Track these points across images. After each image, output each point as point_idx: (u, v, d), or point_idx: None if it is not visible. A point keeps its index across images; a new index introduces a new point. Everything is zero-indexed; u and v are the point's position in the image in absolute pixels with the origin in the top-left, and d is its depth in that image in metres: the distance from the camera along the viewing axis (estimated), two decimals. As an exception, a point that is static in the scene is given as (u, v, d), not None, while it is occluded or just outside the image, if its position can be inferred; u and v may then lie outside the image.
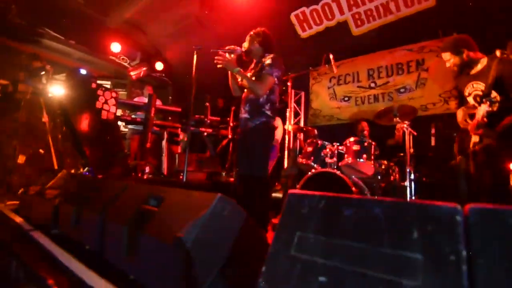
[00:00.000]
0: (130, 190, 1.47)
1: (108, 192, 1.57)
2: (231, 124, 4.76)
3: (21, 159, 3.06)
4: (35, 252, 1.66)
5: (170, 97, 6.53)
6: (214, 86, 4.69)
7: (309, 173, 2.96)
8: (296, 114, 5.13)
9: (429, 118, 3.66)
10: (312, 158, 3.07)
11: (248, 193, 2.32)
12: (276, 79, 2.25)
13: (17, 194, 2.75)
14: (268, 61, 2.24)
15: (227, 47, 2.28)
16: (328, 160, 2.96)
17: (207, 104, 4.98)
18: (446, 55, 2.14)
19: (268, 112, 2.27)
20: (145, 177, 4.24)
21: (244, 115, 2.30)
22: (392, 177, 3.01)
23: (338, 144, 3.00)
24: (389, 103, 4.08)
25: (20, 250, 1.73)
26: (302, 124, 4.97)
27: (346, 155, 2.88)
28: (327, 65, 3.60)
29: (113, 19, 5.37)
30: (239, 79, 2.25)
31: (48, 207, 2.07)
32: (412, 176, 2.62)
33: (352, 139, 2.95)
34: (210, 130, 5.10)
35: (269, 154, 2.32)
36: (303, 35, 4.49)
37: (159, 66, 6.03)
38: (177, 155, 4.38)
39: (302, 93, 5.12)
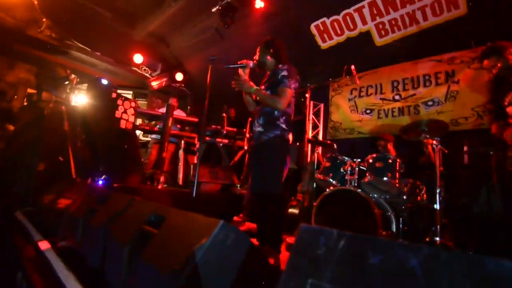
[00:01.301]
0: (134, 206, 1.39)
1: (113, 207, 1.51)
2: (247, 136, 4.68)
3: (41, 166, 3.12)
4: (39, 264, 1.62)
5: (189, 107, 6.59)
6: (231, 97, 4.67)
7: (327, 190, 2.78)
8: (315, 127, 4.96)
9: (460, 134, 3.38)
10: (331, 174, 2.89)
11: (260, 211, 2.19)
12: (293, 91, 2.16)
13: (34, 201, 2.79)
14: (283, 72, 2.15)
15: (239, 62, 2.21)
16: (348, 177, 2.78)
17: (224, 114, 4.95)
18: (490, 61, 1.98)
19: (283, 125, 2.16)
20: (159, 186, 4.23)
21: (257, 128, 2.20)
22: (418, 197, 2.76)
23: (359, 160, 2.81)
24: (416, 117, 3.83)
25: (26, 262, 1.70)
26: (320, 137, 4.79)
27: (368, 172, 2.68)
28: (348, 77, 3.44)
29: (138, 32, 5.56)
30: (258, 98, 2.16)
31: (59, 217, 2.06)
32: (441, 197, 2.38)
33: (374, 155, 2.75)
34: (226, 141, 5.05)
35: (283, 169, 2.19)
36: (324, 46, 4.38)
37: (179, 76, 6.13)
38: (191, 166, 4.35)
39: (321, 105, 4.96)
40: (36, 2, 3.94)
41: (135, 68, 5.67)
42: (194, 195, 2.20)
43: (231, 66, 2.20)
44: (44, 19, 4.18)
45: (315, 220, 2.62)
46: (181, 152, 5.27)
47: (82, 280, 1.33)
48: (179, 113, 5.41)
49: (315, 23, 4.20)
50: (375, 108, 4.33)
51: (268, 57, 2.24)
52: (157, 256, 0.98)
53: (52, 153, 3.32)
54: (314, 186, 3.36)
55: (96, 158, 3.77)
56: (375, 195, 2.67)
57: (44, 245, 1.87)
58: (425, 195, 2.77)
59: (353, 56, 4.23)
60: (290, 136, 2.25)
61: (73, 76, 3.56)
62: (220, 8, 4.34)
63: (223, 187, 4.33)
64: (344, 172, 2.86)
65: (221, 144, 5.02)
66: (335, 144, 3.22)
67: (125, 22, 5.30)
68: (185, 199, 3.80)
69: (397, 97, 4.11)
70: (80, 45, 4.87)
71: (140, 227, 1.17)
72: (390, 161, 2.64)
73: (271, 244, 2.04)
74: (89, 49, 4.98)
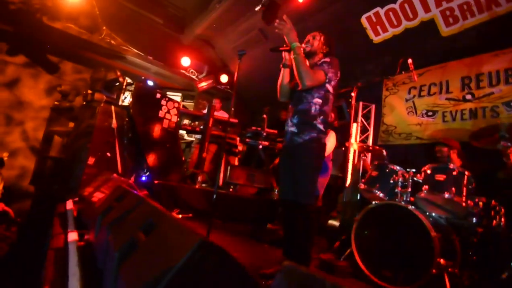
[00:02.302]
0: (140, 208, 1.30)
1: (124, 206, 1.45)
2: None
3: (90, 160, 3.36)
4: (59, 256, 1.65)
5: (233, 109, 6.61)
6: (272, 99, 4.49)
7: (373, 202, 2.39)
8: (364, 130, 4.47)
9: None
10: (378, 185, 2.48)
11: (288, 222, 1.95)
12: (328, 83, 1.89)
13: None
14: (325, 59, 1.91)
15: (285, 45, 1.98)
16: (398, 189, 2.34)
17: (265, 116, 4.79)
18: None
19: (320, 126, 1.89)
20: (197, 186, 4.26)
21: (291, 128, 1.96)
22: (494, 221, 2.18)
23: (413, 170, 2.35)
24: (493, 120, 3.13)
25: (50, 251, 1.76)
26: (370, 142, 4.29)
27: (424, 186, 2.21)
28: (404, 72, 2.96)
29: (186, 36, 5.78)
30: (293, 56, 1.84)
31: (89, 210, 2.13)
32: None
33: (435, 165, 2.27)
34: (266, 143, 4.88)
35: (317, 177, 1.91)
36: (376, 39, 3.90)
37: (224, 78, 6.20)
38: (229, 167, 4.28)
39: (373, 106, 4.45)
40: (97, 12, 4.35)
41: (183, 71, 5.90)
42: (214, 197, 2.05)
43: (277, 48, 1.95)
44: (104, 27, 4.59)
45: (355, 237, 2.26)
46: (222, 153, 5.28)
47: (85, 279, 1.28)
48: (222, 114, 5.43)
49: (367, 14, 3.77)
50: (440, 109, 3.69)
51: (319, 49, 2.01)
52: (134, 270, 0.84)
53: (101, 148, 3.56)
54: (358, 197, 2.96)
55: (140, 155, 3.97)
56: (433, 214, 2.19)
57: (72, 236, 1.93)
58: (503, 219, 2.18)
59: (413, 50, 3.69)
60: (331, 138, 1.97)
61: (123, 78, 3.80)
62: (263, 6, 4.21)
63: (260, 191, 4.16)
64: (394, 184, 2.42)
65: (260, 147, 4.87)
66: (384, 150, 2.77)
67: (175, 27, 5.57)
68: (219, 200, 3.73)
69: (468, 97, 3.43)
70: (135, 50, 5.23)
71: (133, 232, 1.06)
72: (455, 173, 2.13)
73: (297, 262, 1.79)
74: (143, 54, 5.32)
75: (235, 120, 5.06)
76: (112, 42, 4.93)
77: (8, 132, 4.67)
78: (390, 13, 3.61)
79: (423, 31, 3.52)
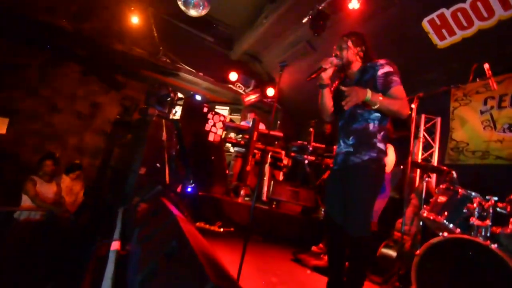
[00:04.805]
0: (169, 227, 1.24)
1: (157, 222, 1.42)
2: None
3: (142, 170, 3.56)
4: (98, 266, 1.69)
5: (279, 122, 6.52)
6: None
7: (440, 235, 1.99)
8: (427, 147, 3.92)
9: None
10: (446, 213, 2.08)
11: (336, 255, 1.70)
12: None
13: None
14: (385, 69, 1.61)
15: (320, 66, 1.76)
16: (474, 221, 1.91)
17: (311, 129, 4.57)
18: None
19: (381, 145, 1.62)
20: (239, 199, 4.20)
21: (345, 149, 1.69)
22: None
23: (495, 198, 1.90)
24: None
25: (94, 260, 1.82)
26: (435, 160, 3.74)
27: (512, 219, 1.76)
28: (479, 80, 2.50)
29: (234, 52, 5.95)
30: (376, 106, 1.54)
31: (132, 221, 2.19)
32: None
33: (525, 193, 1.80)
34: (312, 158, 4.63)
35: (373, 205, 1.65)
36: (441, 44, 3.44)
37: (270, 92, 6.17)
38: (272, 183, 4.13)
39: (438, 119, 3.90)
40: (155, 34, 4.75)
41: (231, 85, 6.05)
42: (251, 212, 1.89)
43: (313, 74, 1.76)
44: (161, 47, 4.98)
45: (417, 277, 1.89)
46: (267, 167, 5.18)
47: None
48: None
49: (429, 17, 3.36)
50: (528, 123, 3.04)
51: (353, 55, 1.73)
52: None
53: (152, 159, 3.76)
54: (421, 224, 2.53)
55: (186, 166, 4.09)
56: (526, 257, 1.71)
57: (114, 245, 1.98)
58: None
59: (488, 54, 3.16)
60: (390, 153, 1.71)
61: (174, 93, 4.01)
62: (310, 17, 4.09)
63: (304, 209, 3.91)
64: (469, 214, 1.99)
65: (306, 162, 4.63)
66: (454, 172, 2.33)
67: (224, 44, 5.79)
68: (260, 217, 3.59)
69: None
70: (187, 67, 5.55)
71: (157, 255, 0.99)
72: (558, 206, 1.65)
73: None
74: (194, 70, 5.62)
75: (280, 134, 4.94)
76: (168, 60, 5.30)
77: (80, 143, 5.30)
78: (459, 13, 3.15)
79: (501, 32, 2.98)
